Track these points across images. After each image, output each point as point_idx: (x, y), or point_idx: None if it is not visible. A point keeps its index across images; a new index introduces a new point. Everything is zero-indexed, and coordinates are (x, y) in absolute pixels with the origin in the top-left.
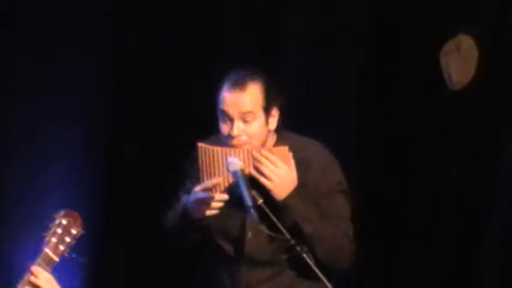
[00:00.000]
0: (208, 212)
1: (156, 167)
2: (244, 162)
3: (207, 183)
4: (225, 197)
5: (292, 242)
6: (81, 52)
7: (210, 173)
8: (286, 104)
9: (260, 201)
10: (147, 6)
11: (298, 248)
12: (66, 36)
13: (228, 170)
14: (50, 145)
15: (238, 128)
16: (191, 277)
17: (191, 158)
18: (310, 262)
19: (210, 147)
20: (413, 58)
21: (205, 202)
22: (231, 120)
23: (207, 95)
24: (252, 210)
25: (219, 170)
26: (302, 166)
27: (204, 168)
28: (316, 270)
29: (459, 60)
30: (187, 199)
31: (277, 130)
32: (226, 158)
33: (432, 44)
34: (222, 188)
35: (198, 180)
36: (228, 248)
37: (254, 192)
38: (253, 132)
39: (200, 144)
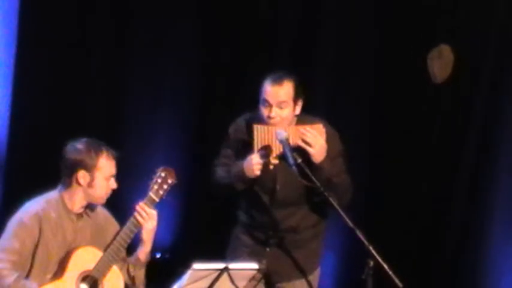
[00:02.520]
0: (258, 172)
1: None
2: (291, 135)
3: (263, 152)
4: (276, 161)
5: (321, 189)
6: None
7: (264, 144)
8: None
9: (299, 160)
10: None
11: (326, 194)
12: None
13: (276, 138)
14: (156, 122)
15: (275, 112)
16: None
17: (233, 128)
18: (334, 202)
19: (265, 126)
20: (408, 61)
21: (260, 164)
22: (270, 106)
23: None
24: (294, 167)
25: (272, 142)
26: None
27: (260, 141)
28: (338, 208)
29: (440, 63)
30: (242, 164)
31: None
32: (277, 133)
33: (421, 51)
34: (274, 155)
35: (251, 148)
36: (263, 195)
37: (295, 154)
38: (284, 116)
39: (256, 125)
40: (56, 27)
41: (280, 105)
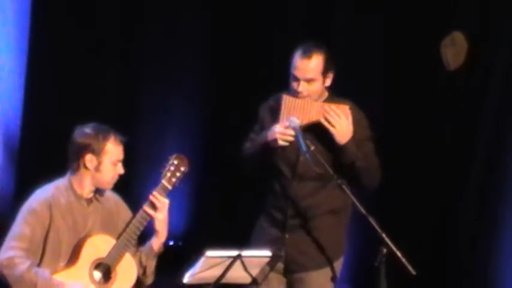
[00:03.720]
0: (282, 142)
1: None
2: (316, 112)
3: (286, 122)
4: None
5: (334, 177)
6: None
7: (289, 115)
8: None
9: (312, 148)
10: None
11: (339, 181)
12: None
13: (289, 125)
14: (169, 110)
15: (303, 86)
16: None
17: (263, 105)
18: (348, 191)
19: (293, 97)
20: (423, 48)
21: (282, 134)
22: (298, 80)
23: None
24: (307, 155)
25: (298, 114)
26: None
27: (286, 112)
28: (351, 195)
29: (454, 50)
30: (266, 133)
31: (330, 89)
32: (312, 107)
33: (435, 38)
34: (300, 127)
35: (274, 121)
36: (285, 167)
37: (308, 142)
38: (313, 90)
39: (285, 96)
40: (68, 19)
41: (308, 80)
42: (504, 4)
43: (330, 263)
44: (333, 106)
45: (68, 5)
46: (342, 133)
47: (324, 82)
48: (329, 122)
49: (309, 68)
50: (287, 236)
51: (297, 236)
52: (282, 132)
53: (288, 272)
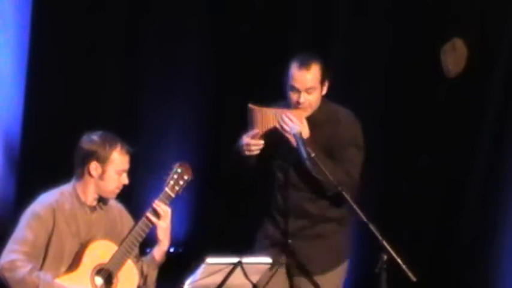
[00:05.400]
0: (247, 153)
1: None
2: (273, 119)
3: (251, 133)
4: (261, 142)
5: (335, 183)
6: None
7: (252, 125)
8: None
9: (313, 154)
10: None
11: (340, 188)
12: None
13: (290, 132)
14: (169, 116)
15: (304, 97)
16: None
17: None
18: (347, 197)
19: (258, 107)
20: (423, 55)
21: (248, 145)
22: (299, 92)
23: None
24: (307, 161)
25: (259, 124)
26: (334, 123)
27: (253, 122)
28: (351, 202)
29: (454, 56)
30: (239, 142)
31: (325, 97)
32: (267, 115)
33: (435, 44)
34: (258, 137)
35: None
36: (280, 175)
37: (309, 149)
38: (313, 100)
39: (250, 106)
40: (69, 22)
41: (308, 91)
42: (504, 10)
43: (333, 267)
44: (288, 112)
45: (68, 8)
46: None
47: (321, 91)
48: (282, 128)
49: (308, 78)
50: (290, 241)
51: (300, 241)
52: (247, 143)
53: (291, 276)
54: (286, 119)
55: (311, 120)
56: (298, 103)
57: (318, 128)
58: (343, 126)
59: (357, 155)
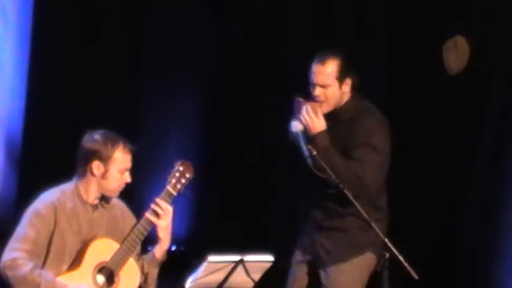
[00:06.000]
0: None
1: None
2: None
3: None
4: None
5: (337, 181)
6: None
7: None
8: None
9: (314, 152)
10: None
11: (341, 186)
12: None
13: (291, 130)
14: (170, 114)
15: (318, 91)
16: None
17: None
18: (349, 195)
19: (304, 101)
20: (425, 52)
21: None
22: (315, 85)
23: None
24: (309, 159)
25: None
26: (354, 122)
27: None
28: (355, 203)
29: (456, 54)
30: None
31: (356, 93)
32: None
33: (437, 42)
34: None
35: None
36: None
37: (310, 147)
38: (329, 95)
39: (299, 99)
40: (70, 20)
41: (323, 85)
42: (505, 8)
43: (348, 259)
44: (307, 104)
45: (71, 6)
46: (310, 126)
47: (340, 87)
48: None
49: (323, 73)
50: (316, 232)
51: (325, 233)
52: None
53: (313, 266)
54: (304, 113)
55: (334, 116)
56: (314, 96)
57: (340, 124)
58: (360, 125)
59: (369, 156)
